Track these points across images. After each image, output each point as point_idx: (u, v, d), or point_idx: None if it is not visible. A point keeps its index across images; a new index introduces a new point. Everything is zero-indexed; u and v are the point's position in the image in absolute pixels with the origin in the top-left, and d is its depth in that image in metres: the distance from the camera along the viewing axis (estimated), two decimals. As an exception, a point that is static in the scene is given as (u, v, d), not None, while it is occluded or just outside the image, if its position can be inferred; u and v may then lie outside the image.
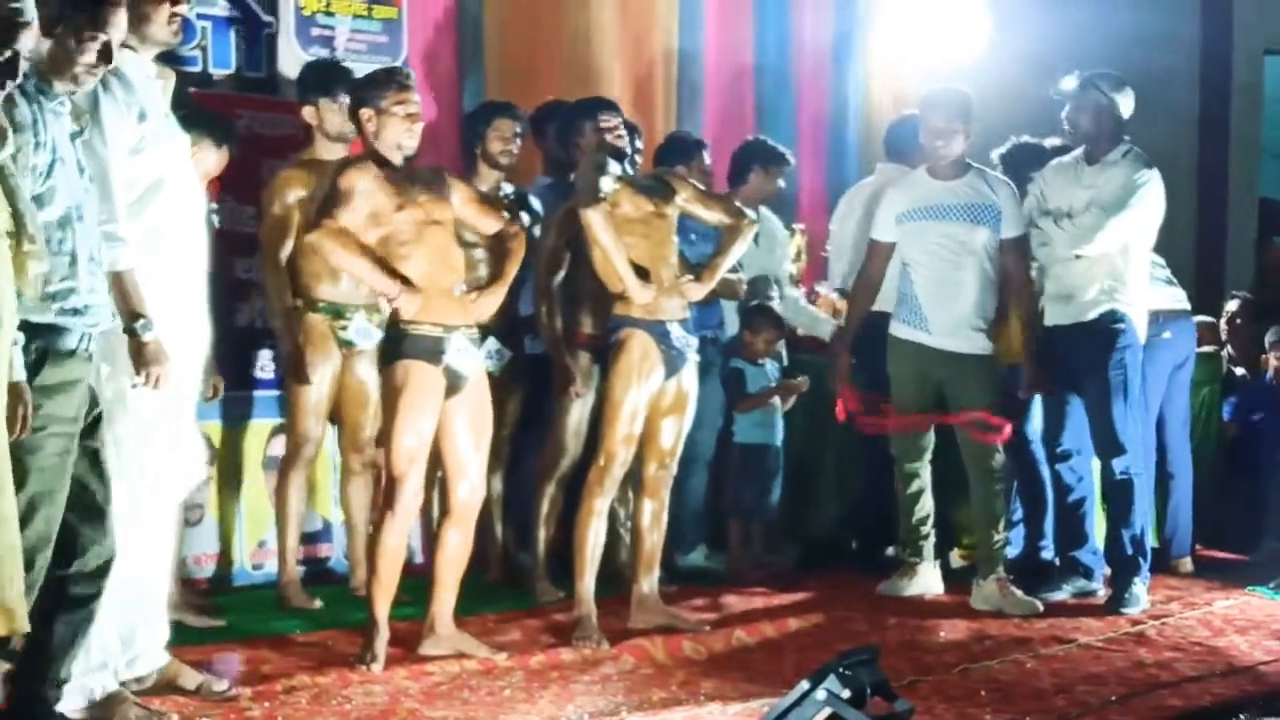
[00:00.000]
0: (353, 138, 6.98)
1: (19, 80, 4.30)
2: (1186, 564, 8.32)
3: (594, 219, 6.50)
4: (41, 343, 4.48)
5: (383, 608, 6.09)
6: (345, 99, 6.83)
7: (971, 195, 7.36)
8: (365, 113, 6.10)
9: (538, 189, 7.69)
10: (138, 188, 5.03)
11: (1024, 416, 7.73)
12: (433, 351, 6.01)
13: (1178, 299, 8.15)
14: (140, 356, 4.87)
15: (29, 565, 4.47)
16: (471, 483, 6.22)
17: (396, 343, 6.05)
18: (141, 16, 5.06)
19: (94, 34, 4.55)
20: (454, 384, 6.08)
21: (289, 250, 6.92)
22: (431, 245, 6.07)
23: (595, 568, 6.63)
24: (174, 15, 5.18)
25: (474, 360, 6.15)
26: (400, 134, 6.08)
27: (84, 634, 4.77)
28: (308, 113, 7.01)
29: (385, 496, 6.14)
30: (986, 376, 7.39)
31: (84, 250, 4.57)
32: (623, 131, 6.88)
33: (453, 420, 6.13)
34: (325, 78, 7.06)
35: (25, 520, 4.46)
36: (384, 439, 6.24)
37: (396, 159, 6.09)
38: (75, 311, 4.55)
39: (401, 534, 6.14)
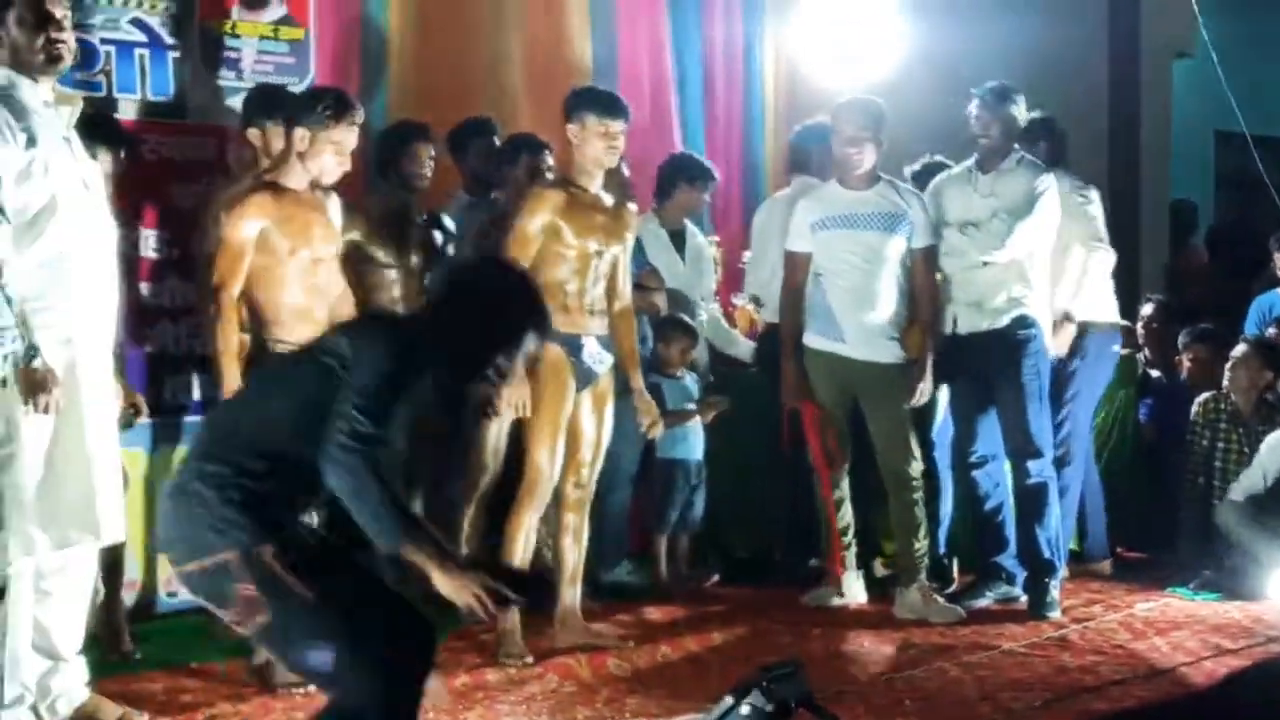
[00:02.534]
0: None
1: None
2: (1106, 566, 8.37)
3: None
4: None
5: None
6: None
7: (884, 204, 7.39)
8: (300, 133, 6.04)
9: (459, 207, 7.65)
10: (28, 213, 4.96)
11: (927, 421, 7.78)
12: None
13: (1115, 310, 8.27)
14: (29, 384, 4.79)
15: None
16: None
17: (263, 361, 6.01)
18: (14, 45, 5.01)
19: None
20: None
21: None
22: (311, 278, 6.08)
23: (520, 585, 6.61)
24: (52, 42, 5.09)
25: None
26: (326, 168, 6.07)
27: None
28: (253, 135, 6.89)
29: None
30: (901, 386, 7.40)
31: None
32: (619, 143, 6.69)
33: None
34: (271, 101, 6.97)
35: None
36: None
37: (304, 183, 6.07)
38: None
39: None
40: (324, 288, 6.15)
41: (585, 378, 6.67)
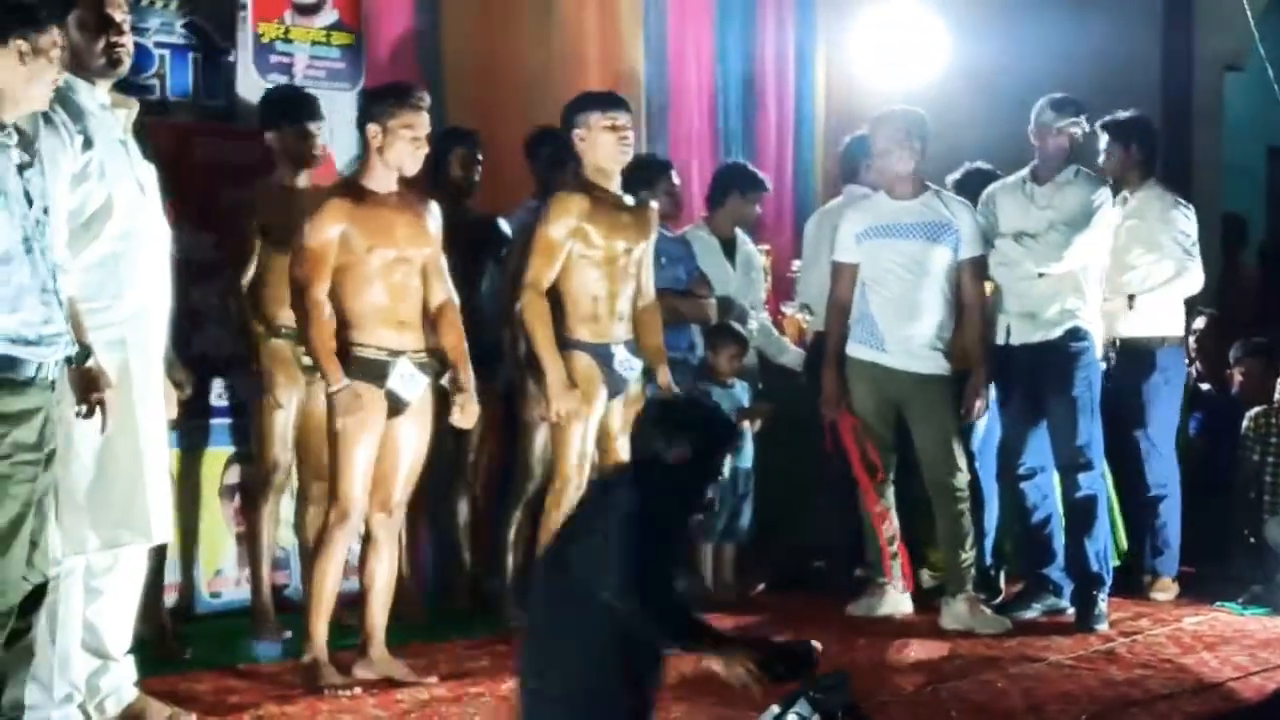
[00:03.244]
0: (317, 164, 6.93)
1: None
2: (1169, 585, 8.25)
3: (526, 310, 6.65)
4: None
5: (322, 629, 6.11)
6: (309, 124, 6.86)
7: (929, 214, 7.37)
8: (372, 128, 6.09)
9: (526, 212, 7.66)
10: (83, 214, 5.00)
11: (969, 432, 7.75)
12: (376, 375, 6.03)
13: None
14: (82, 384, 4.81)
15: (5, 589, 4.46)
16: (389, 505, 6.21)
17: (342, 364, 6.03)
18: (75, 48, 5.03)
19: (41, 55, 4.53)
20: (395, 407, 6.09)
21: (251, 274, 6.88)
22: (393, 279, 6.11)
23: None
24: (112, 45, 5.14)
25: (418, 386, 6.16)
26: (404, 156, 6.10)
27: (24, 665, 4.70)
28: (270, 138, 6.96)
29: (335, 517, 6.10)
30: (945, 397, 7.39)
31: (35, 281, 4.53)
32: (629, 135, 6.78)
33: (386, 443, 6.14)
34: (289, 104, 7.02)
35: (4, 545, 4.45)
36: (330, 460, 6.19)
37: (390, 183, 6.10)
38: (27, 342, 4.50)
39: (342, 555, 6.17)
40: (409, 288, 6.17)
41: (617, 385, 6.71)
